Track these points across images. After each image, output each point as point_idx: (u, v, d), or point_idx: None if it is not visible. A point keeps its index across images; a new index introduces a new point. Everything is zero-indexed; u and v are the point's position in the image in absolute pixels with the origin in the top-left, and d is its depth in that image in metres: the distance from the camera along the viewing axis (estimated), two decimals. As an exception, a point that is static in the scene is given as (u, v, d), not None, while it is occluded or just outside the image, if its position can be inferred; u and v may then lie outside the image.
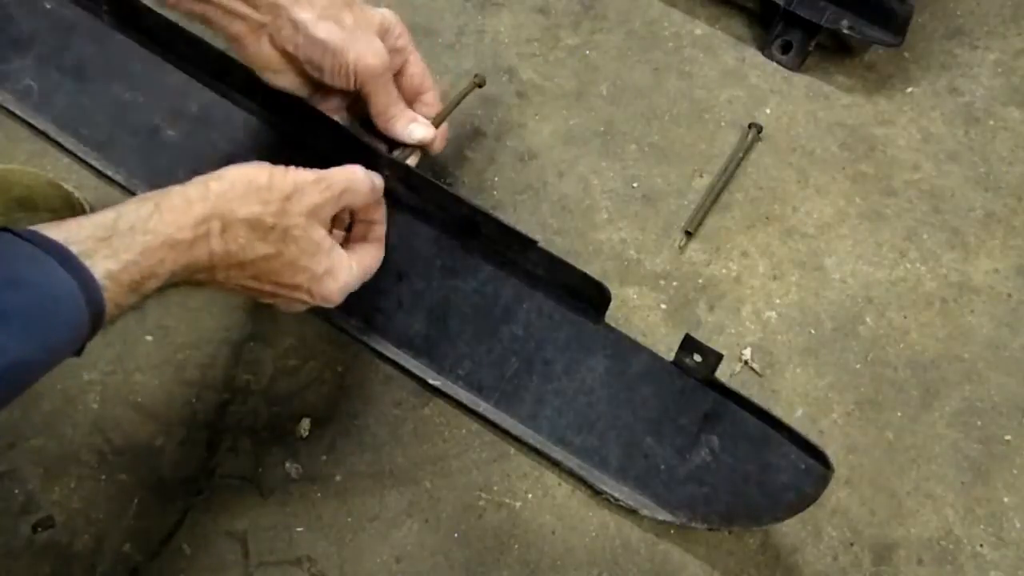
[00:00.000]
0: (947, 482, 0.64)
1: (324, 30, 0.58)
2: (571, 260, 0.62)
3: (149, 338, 0.69)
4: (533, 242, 0.64)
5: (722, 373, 0.66)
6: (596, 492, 0.63)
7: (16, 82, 0.76)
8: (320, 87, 0.62)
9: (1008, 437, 0.66)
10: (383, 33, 0.62)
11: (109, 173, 0.73)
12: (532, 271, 0.66)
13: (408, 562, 0.62)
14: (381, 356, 0.68)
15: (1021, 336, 0.69)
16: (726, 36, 0.82)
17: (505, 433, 0.65)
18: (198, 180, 0.52)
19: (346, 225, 0.62)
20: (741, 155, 0.74)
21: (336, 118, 0.65)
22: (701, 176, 0.76)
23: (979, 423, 0.66)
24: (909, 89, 0.80)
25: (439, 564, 0.62)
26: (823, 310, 0.70)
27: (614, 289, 0.64)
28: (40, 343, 0.43)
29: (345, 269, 0.57)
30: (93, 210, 0.69)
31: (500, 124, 0.78)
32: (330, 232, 0.57)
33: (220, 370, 0.68)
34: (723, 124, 0.78)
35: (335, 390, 0.67)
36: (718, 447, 0.61)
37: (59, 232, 0.45)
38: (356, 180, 0.57)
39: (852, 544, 0.63)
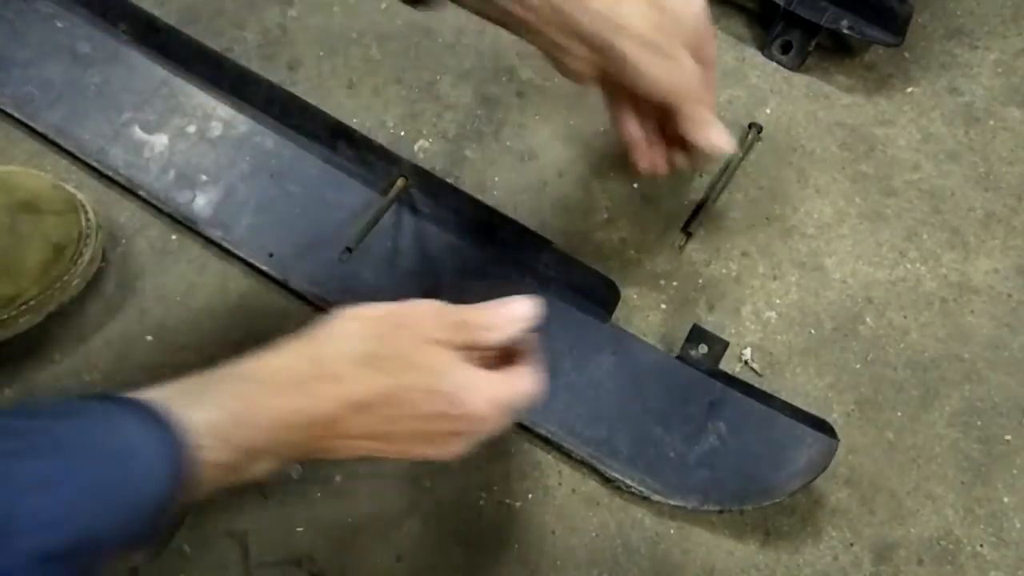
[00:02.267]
0: (947, 482, 0.64)
1: (646, 65, 0.55)
2: (573, 257, 0.63)
3: (149, 338, 0.69)
4: (548, 243, 0.66)
5: (723, 370, 0.66)
6: (607, 480, 0.64)
7: (17, 88, 0.76)
8: (613, 86, 0.59)
9: (1008, 437, 0.66)
10: (691, 34, 0.57)
11: (110, 174, 0.73)
12: (544, 272, 0.67)
13: (408, 562, 0.62)
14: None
15: (1021, 336, 0.69)
16: (726, 36, 0.82)
17: (515, 424, 0.65)
18: (300, 333, 0.48)
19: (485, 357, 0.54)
20: (741, 155, 0.74)
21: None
22: (701, 176, 0.76)
23: (979, 423, 0.66)
24: (909, 89, 0.80)
25: (439, 564, 0.62)
26: (823, 310, 0.70)
27: (614, 289, 0.64)
28: (116, 514, 0.37)
29: (484, 380, 0.48)
30: (96, 214, 0.69)
31: (500, 124, 0.78)
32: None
33: (220, 370, 0.68)
34: (723, 124, 0.78)
35: (335, 390, 0.67)
36: (725, 432, 0.62)
37: (150, 393, 0.41)
38: (486, 315, 0.51)
39: (852, 544, 0.63)
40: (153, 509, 0.39)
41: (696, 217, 0.73)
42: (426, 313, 0.49)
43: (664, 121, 0.62)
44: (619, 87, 0.59)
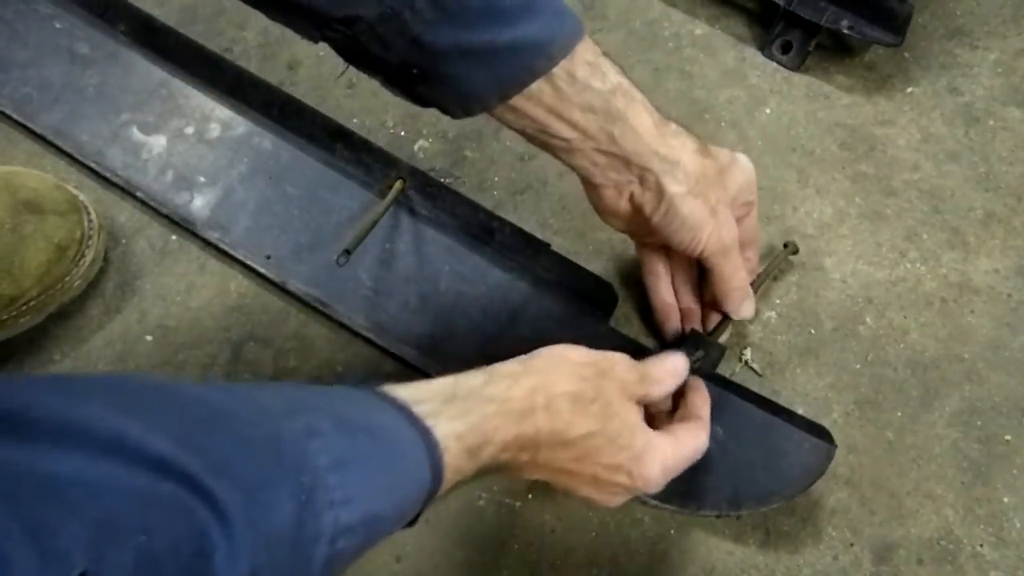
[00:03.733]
0: (947, 482, 0.64)
1: (690, 207, 0.55)
2: (572, 260, 0.63)
3: (149, 338, 0.69)
4: (546, 245, 0.66)
5: (722, 373, 0.66)
6: None
7: (16, 89, 0.76)
8: (649, 234, 0.60)
9: (1008, 437, 0.66)
10: (743, 192, 0.59)
11: (108, 176, 0.73)
12: (542, 275, 0.67)
13: (408, 562, 0.62)
14: (385, 351, 0.68)
15: (1021, 336, 0.69)
16: (726, 36, 0.82)
17: None
18: (515, 360, 0.51)
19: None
20: (773, 276, 0.70)
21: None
22: (701, 176, 0.76)
23: (979, 423, 0.66)
24: (909, 89, 0.80)
25: (439, 564, 0.62)
26: (823, 310, 0.70)
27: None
28: (389, 499, 0.41)
29: (661, 448, 0.52)
30: (98, 215, 0.69)
31: (500, 124, 0.78)
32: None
33: (220, 370, 0.68)
34: (723, 124, 0.78)
35: (335, 390, 0.67)
36: (723, 436, 0.62)
37: (403, 392, 0.45)
38: (668, 372, 0.55)
39: (852, 544, 0.63)
40: (419, 499, 0.43)
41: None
42: (622, 366, 0.52)
43: (697, 279, 0.64)
44: (654, 237, 0.59)
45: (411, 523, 0.45)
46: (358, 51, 0.50)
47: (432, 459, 0.43)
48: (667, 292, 0.64)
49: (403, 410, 0.44)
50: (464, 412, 0.46)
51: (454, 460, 0.45)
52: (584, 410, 0.49)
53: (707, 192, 0.56)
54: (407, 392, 0.45)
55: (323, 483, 0.37)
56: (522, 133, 0.55)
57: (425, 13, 0.47)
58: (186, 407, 0.35)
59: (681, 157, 0.55)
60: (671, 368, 0.56)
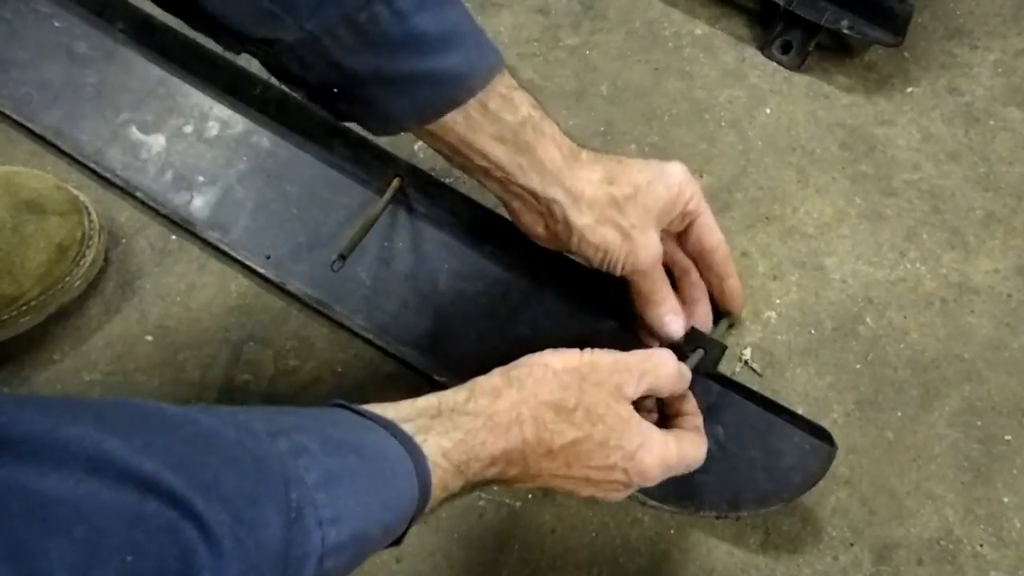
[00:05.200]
0: (947, 482, 0.64)
1: (600, 236, 0.56)
2: (569, 257, 0.62)
3: (149, 338, 0.69)
4: None
5: (722, 373, 0.66)
6: None
7: (15, 88, 0.76)
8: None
9: (1008, 437, 0.66)
10: (668, 207, 0.58)
11: (107, 176, 0.73)
12: (540, 273, 0.67)
13: (408, 562, 0.62)
14: (384, 351, 0.68)
15: (1021, 336, 0.69)
16: (726, 36, 0.82)
17: None
18: (497, 371, 0.51)
19: (654, 415, 0.59)
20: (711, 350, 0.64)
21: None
22: (701, 176, 0.76)
23: (979, 423, 0.66)
24: (909, 89, 0.80)
25: (439, 564, 0.62)
26: (823, 310, 0.70)
27: (614, 289, 0.64)
28: (378, 516, 0.41)
29: (659, 443, 0.53)
30: (98, 215, 0.69)
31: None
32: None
33: (220, 370, 0.68)
34: (723, 124, 0.78)
35: (335, 390, 0.67)
36: (723, 436, 0.62)
37: (388, 411, 0.45)
38: (658, 363, 0.54)
39: (852, 544, 0.63)
40: (406, 516, 0.43)
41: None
42: (607, 367, 0.52)
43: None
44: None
45: (398, 541, 0.45)
46: (279, 68, 0.51)
47: (421, 476, 0.43)
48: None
49: (391, 427, 0.44)
50: (450, 428, 0.46)
51: (442, 476, 0.45)
52: (568, 418, 0.50)
53: (617, 219, 0.56)
54: (393, 411, 0.46)
55: (312, 501, 0.36)
56: (441, 154, 0.57)
57: (345, 40, 0.48)
58: (173, 427, 0.35)
59: (585, 189, 0.56)
60: (650, 357, 0.54)
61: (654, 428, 0.53)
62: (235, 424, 0.37)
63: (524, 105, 0.54)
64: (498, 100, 0.52)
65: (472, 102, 0.52)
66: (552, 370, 0.51)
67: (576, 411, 0.50)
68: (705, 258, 0.62)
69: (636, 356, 0.54)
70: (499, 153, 0.54)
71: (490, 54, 0.52)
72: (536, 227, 0.58)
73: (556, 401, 0.50)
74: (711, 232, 0.61)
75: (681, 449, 0.54)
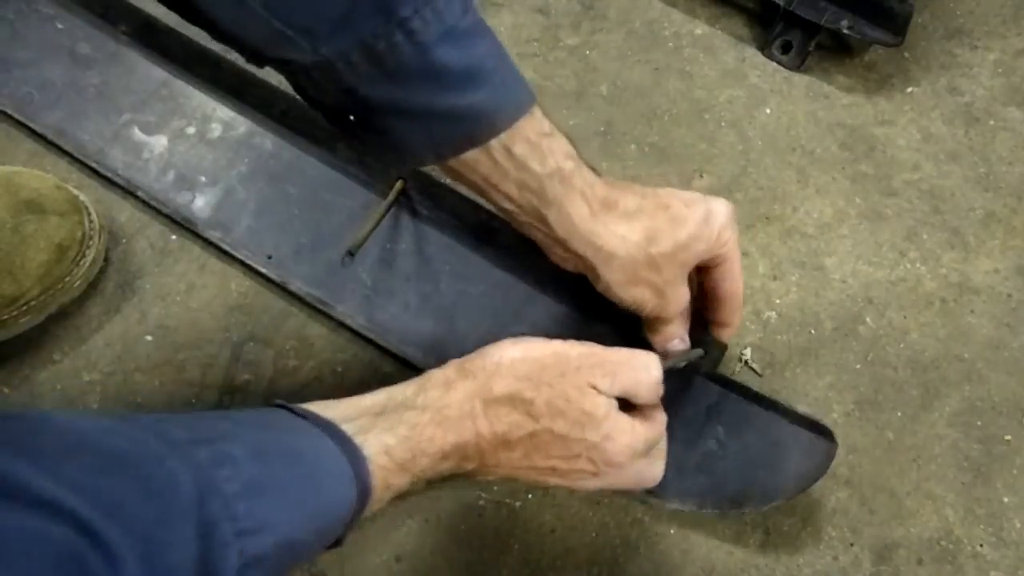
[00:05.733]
0: (947, 482, 0.64)
1: (631, 295, 0.55)
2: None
3: (149, 338, 0.69)
4: None
5: (722, 373, 0.66)
6: None
7: (17, 88, 0.76)
8: None
9: (1008, 437, 0.66)
10: (703, 256, 0.55)
11: (109, 176, 0.73)
12: (541, 274, 0.67)
13: (408, 562, 0.62)
14: (385, 352, 0.68)
15: (1021, 336, 0.69)
16: (726, 36, 0.82)
17: None
18: (453, 362, 0.50)
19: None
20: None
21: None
22: (701, 176, 0.76)
23: (979, 423, 0.66)
24: (909, 89, 0.80)
25: (439, 564, 0.62)
26: (823, 310, 0.70)
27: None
28: (307, 523, 0.40)
29: (626, 432, 0.50)
30: (99, 215, 0.69)
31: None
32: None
33: (220, 370, 0.68)
34: (723, 124, 0.78)
35: (335, 390, 0.67)
36: (724, 436, 0.62)
37: (329, 410, 0.44)
38: (639, 367, 0.52)
39: (852, 544, 0.63)
40: (342, 519, 0.43)
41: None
42: (577, 358, 0.50)
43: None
44: None
45: (337, 543, 0.44)
46: (297, 87, 0.50)
47: (359, 476, 0.42)
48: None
49: (329, 428, 0.43)
50: (395, 424, 0.45)
51: (384, 475, 0.44)
52: (525, 410, 0.48)
53: (652, 278, 0.54)
54: (337, 410, 0.45)
55: (230, 513, 0.36)
56: (466, 187, 0.55)
57: (360, 67, 0.46)
58: (79, 448, 0.34)
59: (618, 249, 0.53)
60: (641, 365, 0.52)
61: (621, 415, 0.51)
62: (152, 436, 0.36)
63: (554, 155, 0.51)
64: (524, 146, 0.50)
65: (495, 144, 0.49)
66: (510, 360, 0.49)
67: (534, 403, 0.48)
68: (716, 301, 0.60)
69: (617, 352, 0.52)
70: (524, 200, 0.52)
71: (518, 94, 0.50)
72: (565, 264, 0.57)
73: (512, 393, 0.48)
74: (733, 281, 0.59)
75: (647, 430, 0.52)
